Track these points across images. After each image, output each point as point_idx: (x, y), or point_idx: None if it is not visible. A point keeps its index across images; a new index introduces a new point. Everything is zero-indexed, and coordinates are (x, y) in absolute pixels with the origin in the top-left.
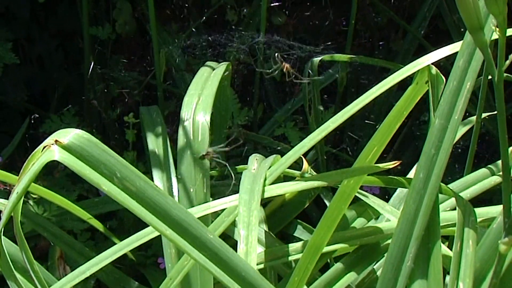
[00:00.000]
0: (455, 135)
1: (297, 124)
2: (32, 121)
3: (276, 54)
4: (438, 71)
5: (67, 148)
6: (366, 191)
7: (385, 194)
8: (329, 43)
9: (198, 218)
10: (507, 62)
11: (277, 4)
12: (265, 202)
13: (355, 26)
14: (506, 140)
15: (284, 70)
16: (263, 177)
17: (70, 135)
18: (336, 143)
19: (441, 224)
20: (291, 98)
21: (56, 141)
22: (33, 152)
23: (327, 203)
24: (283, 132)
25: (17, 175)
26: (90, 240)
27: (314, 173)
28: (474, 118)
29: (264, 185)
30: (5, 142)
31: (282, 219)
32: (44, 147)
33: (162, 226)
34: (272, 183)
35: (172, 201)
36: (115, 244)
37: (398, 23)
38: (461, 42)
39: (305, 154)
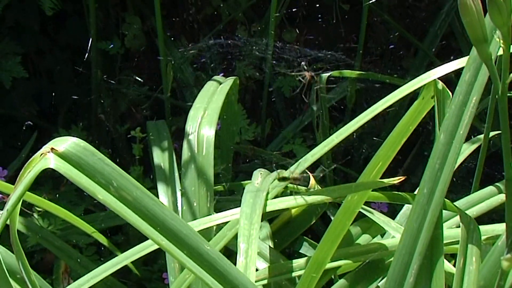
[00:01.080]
0: (459, 150)
1: (306, 140)
2: (40, 135)
3: (303, 62)
4: (444, 86)
5: (63, 156)
6: (374, 208)
7: (394, 212)
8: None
9: (200, 231)
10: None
11: (288, 19)
12: (271, 218)
13: (367, 43)
14: (510, 156)
15: (308, 77)
16: (266, 191)
17: (67, 143)
18: (346, 161)
19: (446, 241)
20: (301, 114)
21: (52, 149)
22: (30, 160)
23: None
24: (292, 148)
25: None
26: (95, 254)
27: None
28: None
29: (266, 199)
30: (13, 156)
31: (288, 235)
32: (42, 155)
33: (158, 236)
34: (275, 197)
35: (168, 211)
36: None
37: (409, 40)
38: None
39: (312, 171)
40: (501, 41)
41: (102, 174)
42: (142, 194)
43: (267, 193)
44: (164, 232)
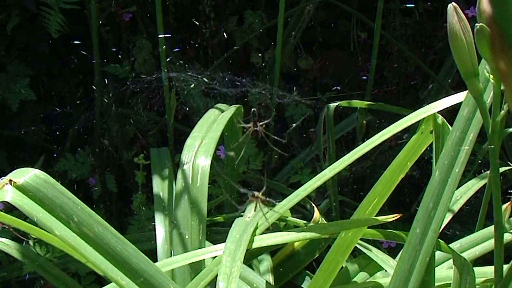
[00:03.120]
0: (454, 189)
1: (315, 171)
2: (49, 158)
3: (253, 109)
4: (444, 120)
5: (21, 188)
6: (381, 243)
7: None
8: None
9: (191, 264)
10: (503, 112)
11: (304, 46)
12: (274, 251)
13: (383, 72)
14: (499, 196)
15: (251, 130)
16: (254, 226)
17: (28, 175)
18: (356, 194)
19: (442, 283)
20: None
21: (10, 180)
22: None
23: None
24: (299, 179)
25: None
26: (94, 283)
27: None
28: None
29: (254, 235)
30: None
31: (290, 269)
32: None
33: (118, 275)
34: (264, 233)
35: (132, 249)
36: None
37: (424, 70)
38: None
39: (318, 204)
40: (491, 76)
41: (63, 208)
42: (105, 230)
43: (255, 228)
44: (126, 271)
